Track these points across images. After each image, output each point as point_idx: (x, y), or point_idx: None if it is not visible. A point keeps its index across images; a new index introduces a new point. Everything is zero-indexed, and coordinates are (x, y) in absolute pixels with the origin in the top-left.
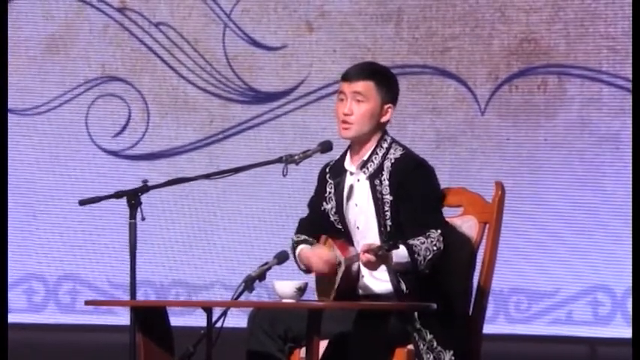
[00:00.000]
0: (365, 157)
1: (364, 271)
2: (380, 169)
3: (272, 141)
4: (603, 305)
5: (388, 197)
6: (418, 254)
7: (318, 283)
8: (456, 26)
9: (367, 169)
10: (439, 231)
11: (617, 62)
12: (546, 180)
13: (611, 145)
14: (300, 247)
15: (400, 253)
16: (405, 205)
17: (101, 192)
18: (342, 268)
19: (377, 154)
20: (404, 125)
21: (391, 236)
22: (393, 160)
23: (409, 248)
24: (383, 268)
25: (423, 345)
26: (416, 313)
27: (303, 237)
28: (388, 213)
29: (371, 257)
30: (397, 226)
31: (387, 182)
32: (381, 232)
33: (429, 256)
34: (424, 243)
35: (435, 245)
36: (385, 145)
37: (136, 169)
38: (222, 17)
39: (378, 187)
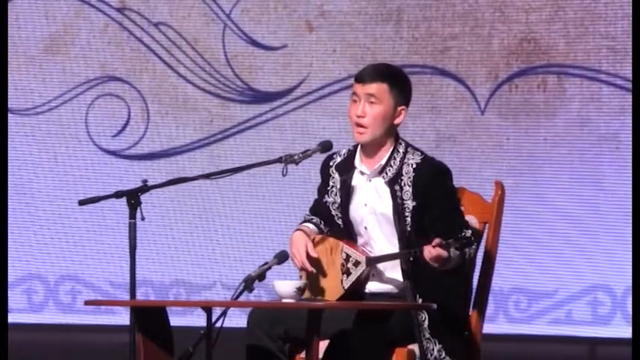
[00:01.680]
0: (383, 162)
1: (377, 272)
2: (399, 173)
3: (272, 141)
4: (603, 305)
5: (410, 203)
6: (465, 252)
7: (311, 283)
8: (455, 26)
9: (386, 174)
10: (470, 230)
11: (617, 62)
12: (546, 179)
13: (611, 145)
14: (305, 224)
15: (455, 251)
16: (432, 209)
17: (101, 192)
18: (363, 267)
19: (395, 158)
20: (404, 125)
21: (411, 241)
22: (414, 166)
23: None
24: (387, 267)
25: (431, 355)
26: (426, 323)
27: (311, 217)
28: (408, 218)
29: (443, 252)
30: (417, 230)
31: (408, 188)
32: (399, 238)
33: (472, 254)
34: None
35: (473, 244)
36: (401, 150)
37: (136, 169)
38: (221, 17)
39: (398, 193)
